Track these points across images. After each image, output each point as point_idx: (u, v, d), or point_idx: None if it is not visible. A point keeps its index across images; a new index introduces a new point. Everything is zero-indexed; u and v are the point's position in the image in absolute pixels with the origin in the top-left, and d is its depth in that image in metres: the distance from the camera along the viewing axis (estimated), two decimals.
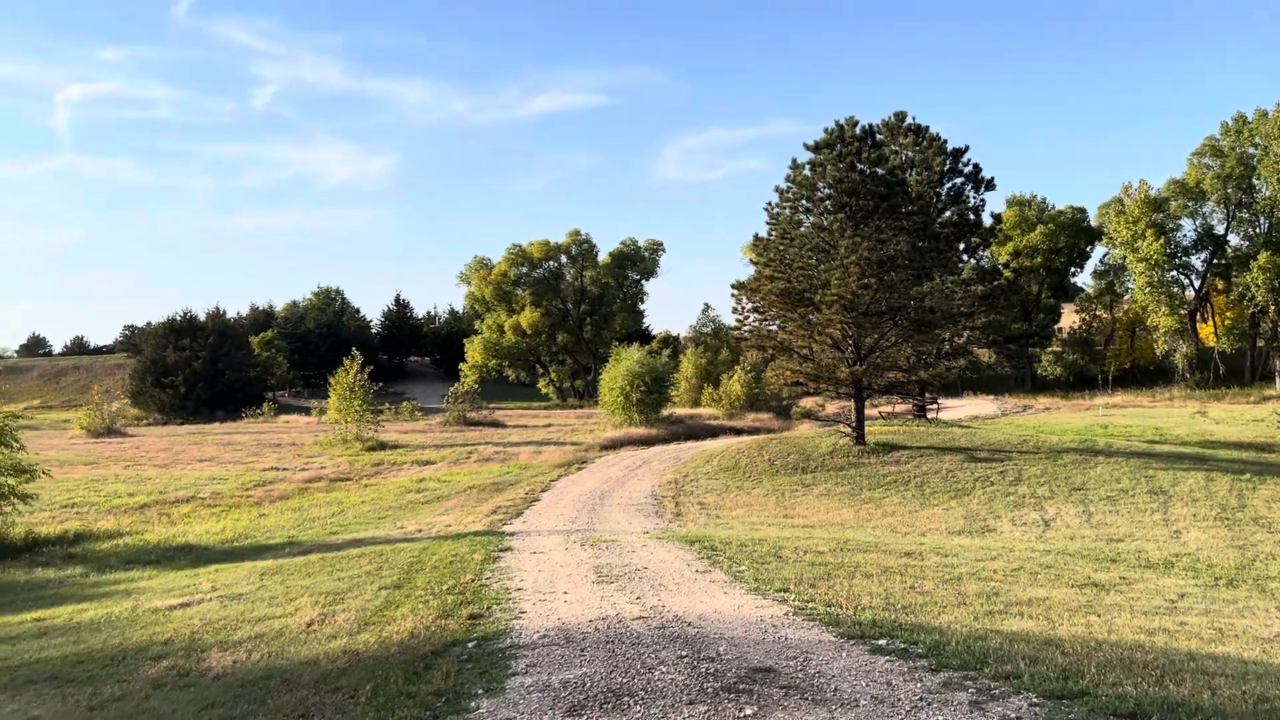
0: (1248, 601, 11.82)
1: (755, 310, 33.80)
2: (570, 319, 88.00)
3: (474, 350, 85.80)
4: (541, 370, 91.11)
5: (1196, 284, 72.37)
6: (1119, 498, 23.70)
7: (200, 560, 17.98)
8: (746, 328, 35.04)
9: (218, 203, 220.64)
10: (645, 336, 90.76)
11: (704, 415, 53.08)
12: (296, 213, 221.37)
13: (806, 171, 32.56)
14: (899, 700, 6.16)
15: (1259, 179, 66.03)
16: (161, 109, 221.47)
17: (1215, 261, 70.68)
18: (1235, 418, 45.06)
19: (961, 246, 43.62)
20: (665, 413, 48.84)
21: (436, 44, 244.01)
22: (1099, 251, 77.31)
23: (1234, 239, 70.75)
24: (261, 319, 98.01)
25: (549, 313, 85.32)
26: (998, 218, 48.89)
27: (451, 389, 63.13)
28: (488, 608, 10.14)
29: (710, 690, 6.48)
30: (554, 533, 17.69)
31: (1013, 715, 5.82)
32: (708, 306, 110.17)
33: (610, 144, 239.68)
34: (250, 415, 68.92)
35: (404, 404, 63.87)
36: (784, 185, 33.12)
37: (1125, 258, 71.12)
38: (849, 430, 32.00)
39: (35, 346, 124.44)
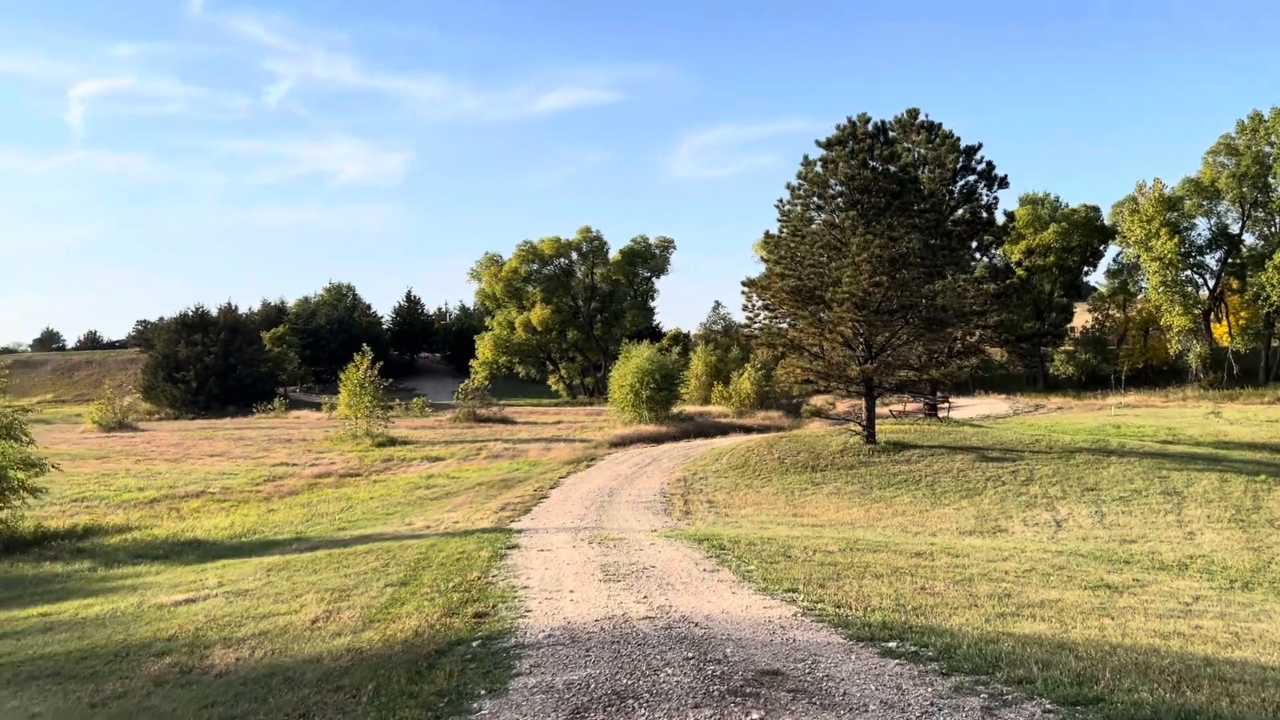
0: (1263, 605, 11.66)
1: (766, 308, 33.63)
2: (581, 316, 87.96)
3: (484, 347, 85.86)
4: (552, 367, 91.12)
5: (1211, 283, 71.84)
6: (1132, 498, 23.49)
7: (208, 555, 17.97)
8: (757, 325, 34.88)
9: (230, 199, 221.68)
10: (655, 334, 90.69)
11: (714, 413, 52.93)
12: (309, 209, 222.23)
13: (818, 168, 32.38)
14: (909, 705, 6.04)
15: (1275, 178, 65.50)
16: (175, 105, 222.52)
17: (1230, 261, 70.13)
18: (1249, 418, 44.71)
19: (974, 245, 43.30)
20: (675, 410, 48.72)
21: (448, 40, 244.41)
22: (1112, 250, 76.91)
23: (1249, 238, 70.26)
24: (273, 315, 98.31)
25: (559, 310, 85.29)
26: (1011, 216, 48.63)
27: (462, 385, 63.19)
28: (493, 606, 10.05)
29: (716, 693, 6.37)
30: (562, 530, 17.60)
31: None
32: (718, 304, 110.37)
33: (622, 141, 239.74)
34: (261, 411, 69.13)
35: (414, 400, 63.93)
36: (795, 182, 32.95)
37: (1139, 257, 70.65)
38: (859, 429, 31.84)
39: (48, 341, 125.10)
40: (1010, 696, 6.19)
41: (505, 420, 55.73)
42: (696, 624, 8.73)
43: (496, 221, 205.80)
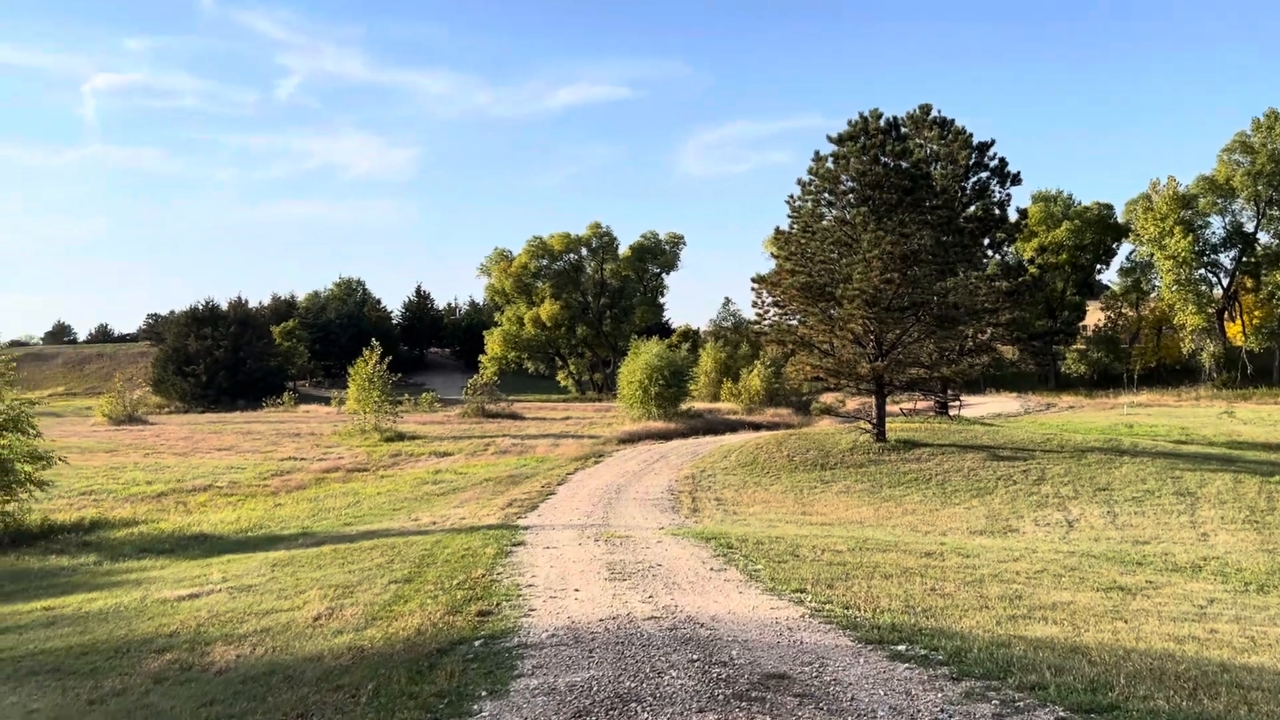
0: None
1: (776, 304, 33.43)
2: (590, 312, 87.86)
3: (493, 342, 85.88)
4: (560, 363, 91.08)
5: (1225, 282, 71.34)
6: (1144, 499, 23.25)
7: (213, 550, 17.93)
8: (767, 322, 34.67)
9: (242, 193, 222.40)
10: (665, 330, 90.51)
11: (723, 410, 52.80)
12: (319, 204, 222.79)
13: (829, 164, 32.15)
14: (919, 712, 5.89)
15: None
16: (186, 99, 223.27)
17: (1244, 259, 69.63)
18: (1263, 418, 44.33)
19: (986, 242, 43.01)
20: (684, 407, 48.59)
21: (458, 36, 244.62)
22: (1125, 248, 76.51)
23: (1264, 237, 69.74)
24: (283, 309, 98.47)
25: (569, 305, 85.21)
26: (1023, 213, 48.29)
27: (470, 381, 63.16)
28: (497, 604, 9.94)
29: (721, 697, 6.24)
30: (568, 527, 17.49)
31: None
32: (728, 300, 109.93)
33: (633, 137, 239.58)
34: (270, 405, 69.28)
35: (423, 395, 63.94)
36: (807, 178, 32.73)
37: (1152, 255, 70.22)
38: (869, 427, 31.64)
39: (60, 334, 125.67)
40: (1023, 703, 6.04)
41: (514, 416, 55.68)
42: (702, 625, 8.59)
43: (506, 217, 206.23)
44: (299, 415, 61.96)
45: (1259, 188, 66.43)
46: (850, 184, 31.92)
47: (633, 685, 6.60)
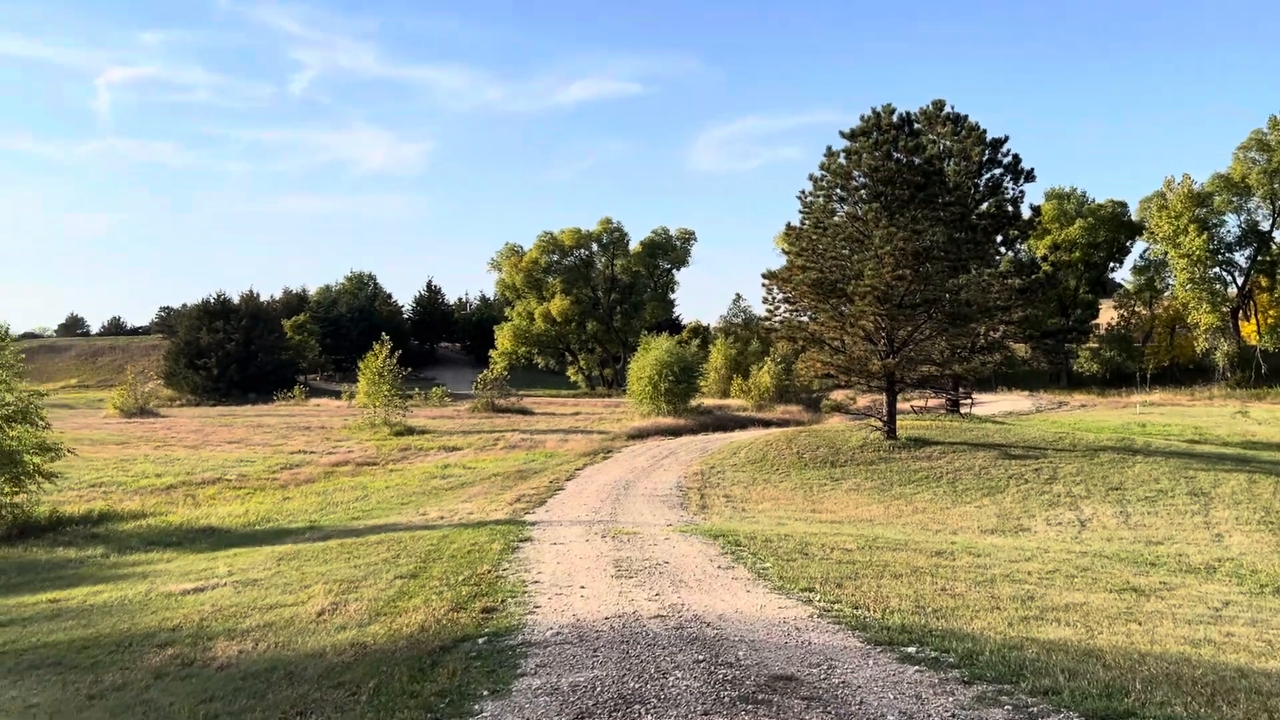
0: None
1: (786, 300, 33.28)
2: (600, 307, 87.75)
3: (504, 337, 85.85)
4: (570, 358, 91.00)
5: (1239, 281, 70.74)
6: (1158, 498, 23.03)
7: (220, 543, 17.88)
8: (777, 318, 34.53)
9: (254, 187, 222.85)
10: (675, 326, 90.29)
11: (733, 406, 52.62)
12: (331, 198, 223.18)
13: (842, 159, 31.98)
14: (929, 716, 5.76)
15: None
16: (200, 93, 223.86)
17: (1259, 258, 69.01)
18: (1278, 418, 43.93)
19: (999, 239, 42.81)
20: (693, 403, 48.43)
21: (471, 31, 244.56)
22: (1139, 247, 75.85)
23: (1279, 235, 69.10)
24: (294, 302, 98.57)
25: (579, 301, 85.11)
26: (1036, 210, 48.03)
27: (480, 375, 63.07)
28: (502, 601, 9.84)
29: (727, 700, 6.11)
30: (576, 523, 17.39)
31: None
32: (739, 296, 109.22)
33: (644, 132, 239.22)
34: (281, 398, 69.35)
35: (433, 389, 63.88)
36: (818, 174, 32.58)
37: (1166, 253, 69.65)
38: (880, 424, 31.46)
39: (73, 326, 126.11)
40: (1036, 709, 5.89)
41: (523, 411, 55.62)
42: (709, 624, 8.47)
43: (517, 212, 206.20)
44: (309, 409, 62.02)
45: (1275, 186, 65.82)
46: (862, 180, 31.74)
47: (637, 686, 6.48)
